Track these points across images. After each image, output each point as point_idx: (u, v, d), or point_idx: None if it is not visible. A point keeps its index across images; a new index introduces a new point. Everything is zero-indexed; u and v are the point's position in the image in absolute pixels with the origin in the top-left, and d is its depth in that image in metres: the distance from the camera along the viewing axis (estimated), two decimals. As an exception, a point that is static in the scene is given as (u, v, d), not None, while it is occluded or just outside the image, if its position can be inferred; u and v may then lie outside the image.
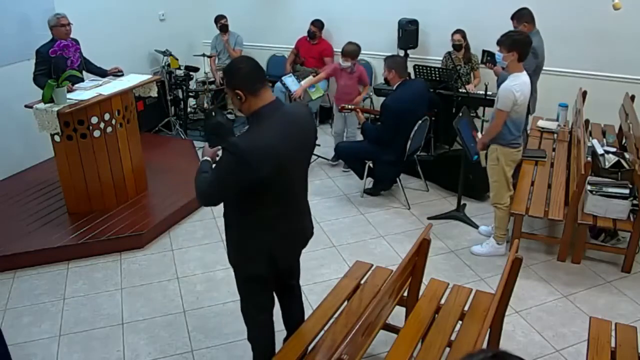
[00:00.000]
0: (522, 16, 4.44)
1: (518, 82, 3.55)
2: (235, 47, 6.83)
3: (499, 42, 3.60)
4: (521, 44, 3.54)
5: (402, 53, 5.96)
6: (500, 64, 3.65)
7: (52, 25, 4.48)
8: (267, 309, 2.62)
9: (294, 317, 2.84)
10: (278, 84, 6.24)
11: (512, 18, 4.50)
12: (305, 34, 6.50)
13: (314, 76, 5.52)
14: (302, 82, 5.32)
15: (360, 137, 5.33)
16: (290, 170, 2.25)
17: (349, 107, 4.92)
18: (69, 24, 4.48)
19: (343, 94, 5.23)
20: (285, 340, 2.90)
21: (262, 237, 2.35)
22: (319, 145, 5.87)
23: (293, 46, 6.69)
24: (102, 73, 4.77)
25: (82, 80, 4.62)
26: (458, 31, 5.56)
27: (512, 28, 4.50)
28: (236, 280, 2.57)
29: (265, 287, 2.56)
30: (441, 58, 5.85)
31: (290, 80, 5.20)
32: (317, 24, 6.41)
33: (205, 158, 2.42)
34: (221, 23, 6.67)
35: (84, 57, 4.63)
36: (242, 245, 2.39)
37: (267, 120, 2.16)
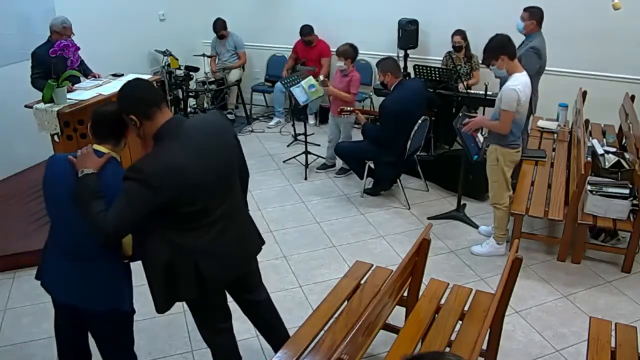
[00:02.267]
0: (534, 14, 4.40)
1: (519, 82, 3.56)
2: (237, 50, 6.83)
3: (484, 60, 3.68)
4: (500, 45, 3.58)
5: (402, 53, 5.97)
6: (501, 73, 3.69)
7: (55, 31, 4.45)
8: (223, 330, 2.56)
9: (270, 325, 2.75)
10: (278, 84, 6.26)
11: (525, 10, 4.43)
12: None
13: (313, 75, 5.52)
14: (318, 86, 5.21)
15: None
16: (207, 183, 2.12)
17: (348, 109, 4.90)
18: (72, 34, 4.46)
19: (334, 98, 5.22)
20: (270, 344, 2.85)
21: (187, 259, 2.21)
22: (318, 145, 5.91)
23: (293, 46, 6.68)
24: (86, 73, 4.74)
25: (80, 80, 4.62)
26: (458, 32, 5.56)
27: (512, 27, 4.51)
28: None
29: (211, 308, 2.46)
30: (441, 58, 5.86)
31: (298, 91, 5.15)
32: (306, 30, 6.37)
33: (90, 171, 2.09)
34: (221, 33, 6.68)
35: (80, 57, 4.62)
36: (167, 274, 2.25)
37: (169, 139, 2.06)
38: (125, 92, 2.14)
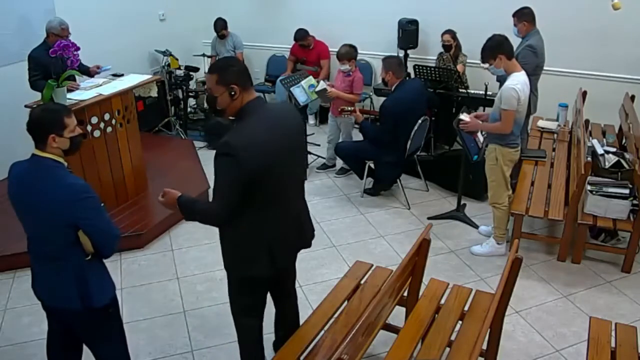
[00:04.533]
0: (523, 15, 4.45)
1: (519, 81, 3.57)
2: (236, 50, 6.83)
3: (483, 60, 3.71)
4: (497, 45, 3.61)
5: (402, 53, 5.96)
6: (498, 72, 3.72)
7: (53, 33, 4.43)
8: (258, 313, 2.59)
9: (288, 323, 2.80)
10: (278, 84, 6.25)
11: (514, 15, 4.51)
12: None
13: (314, 76, 5.51)
14: (321, 87, 5.18)
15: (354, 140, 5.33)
16: (280, 164, 2.24)
17: (349, 109, 4.88)
18: (69, 34, 4.46)
19: (336, 98, 5.21)
20: (274, 345, 2.88)
21: (260, 237, 2.33)
22: (318, 145, 5.91)
23: (291, 48, 6.66)
24: (86, 71, 4.74)
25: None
26: (448, 31, 5.55)
27: (510, 27, 4.53)
28: (228, 283, 2.54)
29: (259, 290, 2.53)
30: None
31: (298, 91, 5.15)
32: (301, 34, 6.35)
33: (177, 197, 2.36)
34: (222, 33, 6.67)
35: None
36: (239, 246, 2.36)
37: (253, 116, 2.21)
38: (227, 63, 2.26)
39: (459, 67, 5.56)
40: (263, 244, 2.34)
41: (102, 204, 2.30)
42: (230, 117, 2.27)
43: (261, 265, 2.37)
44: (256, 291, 2.52)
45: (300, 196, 2.51)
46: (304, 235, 2.56)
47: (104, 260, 2.41)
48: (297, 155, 2.42)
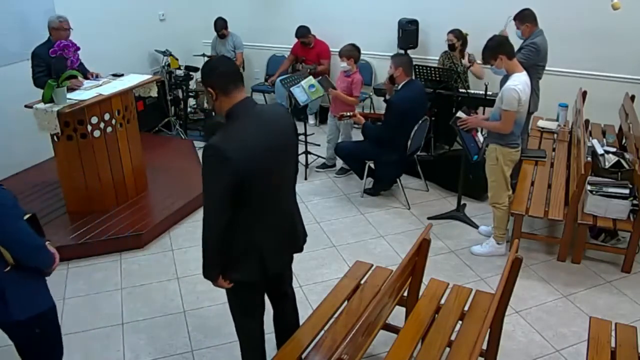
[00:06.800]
0: (525, 17, 4.45)
1: (520, 82, 3.58)
2: (236, 50, 6.83)
3: (484, 60, 3.74)
4: (498, 45, 3.64)
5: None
6: (499, 72, 3.74)
7: (52, 27, 4.45)
8: (256, 314, 2.57)
9: (288, 323, 2.78)
10: (278, 84, 6.26)
11: (515, 19, 4.51)
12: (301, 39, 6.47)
13: (313, 75, 5.51)
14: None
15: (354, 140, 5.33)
16: (270, 167, 2.22)
17: (348, 114, 4.87)
18: (69, 28, 4.46)
19: (335, 98, 5.21)
20: (278, 345, 2.87)
21: (249, 242, 2.30)
22: (318, 145, 5.91)
23: (292, 46, 6.67)
24: (84, 74, 4.73)
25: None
26: (452, 31, 5.55)
27: (510, 27, 4.53)
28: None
29: (253, 293, 2.50)
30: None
31: (298, 91, 5.16)
32: (302, 31, 6.34)
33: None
34: (222, 33, 6.68)
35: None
36: (228, 250, 2.31)
37: (241, 118, 2.18)
38: (209, 65, 2.25)
39: (475, 67, 5.48)
40: (253, 249, 2.31)
41: (28, 215, 2.21)
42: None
43: (251, 270, 2.35)
44: (250, 294, 2.49)
45: (291, 199, 2.47)
46: (295, 239, 2.52)
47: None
48: (288, 157, 2.38)
